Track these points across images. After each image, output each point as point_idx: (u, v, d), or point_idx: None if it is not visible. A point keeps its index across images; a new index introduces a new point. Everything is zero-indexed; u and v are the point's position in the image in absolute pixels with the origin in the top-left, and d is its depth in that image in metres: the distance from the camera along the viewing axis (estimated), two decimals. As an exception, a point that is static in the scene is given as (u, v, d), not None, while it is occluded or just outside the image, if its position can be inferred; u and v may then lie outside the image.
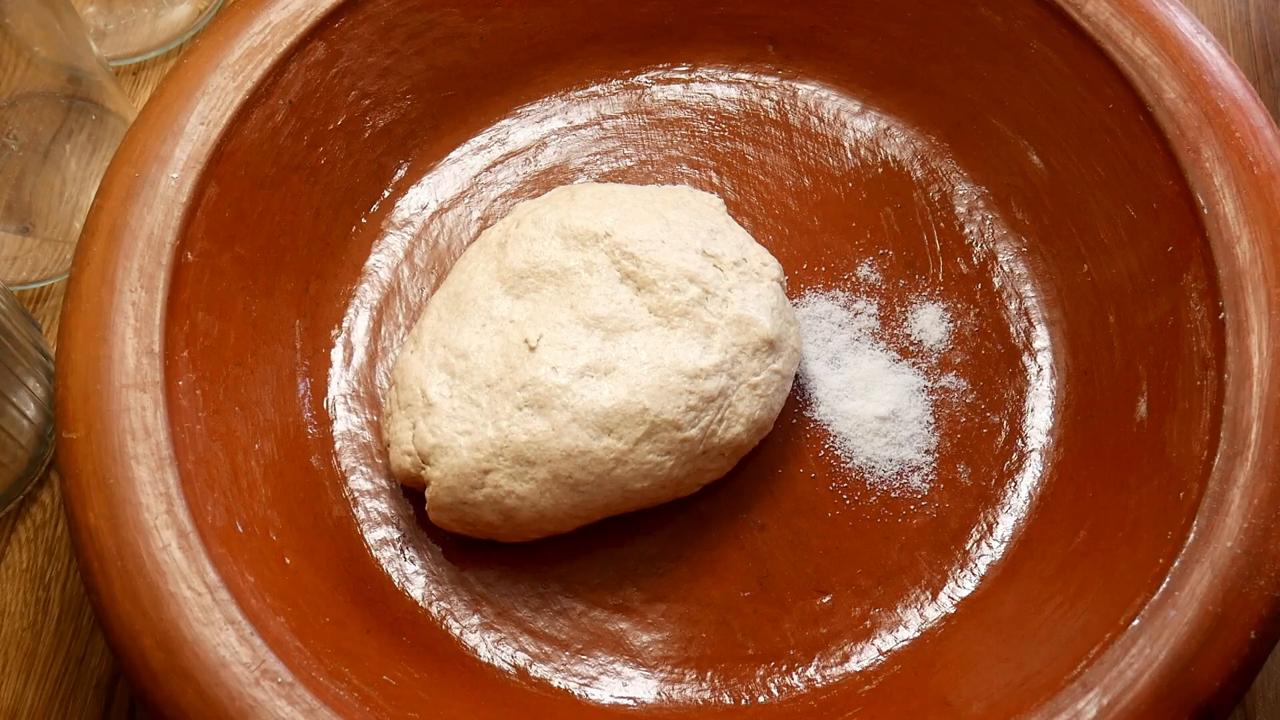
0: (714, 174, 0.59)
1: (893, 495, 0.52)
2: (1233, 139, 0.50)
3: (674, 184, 0.58)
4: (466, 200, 0.59)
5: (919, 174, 0.58)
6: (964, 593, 0.50)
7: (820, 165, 0.59)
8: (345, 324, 0.56)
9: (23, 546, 0.53)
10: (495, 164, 0.59)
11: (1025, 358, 0.54)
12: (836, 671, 0.49)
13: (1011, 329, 0.55)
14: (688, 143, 0.60)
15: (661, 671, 0.49)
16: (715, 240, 0.52)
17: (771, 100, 0.60)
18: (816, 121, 0.60)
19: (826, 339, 0.55)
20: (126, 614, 0.43)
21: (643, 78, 0.61)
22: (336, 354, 0.55)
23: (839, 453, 0.53)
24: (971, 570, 0.50)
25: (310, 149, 0.55)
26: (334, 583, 0.49)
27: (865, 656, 0.49)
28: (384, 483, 0.53)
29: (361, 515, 0.52)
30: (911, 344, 0.55)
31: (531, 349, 0.49)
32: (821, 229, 0.58)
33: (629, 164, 0.59)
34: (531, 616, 0.50)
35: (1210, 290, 0.48)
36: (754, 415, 0.50)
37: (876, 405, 0.53)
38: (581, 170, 0.59)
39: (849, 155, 0.59)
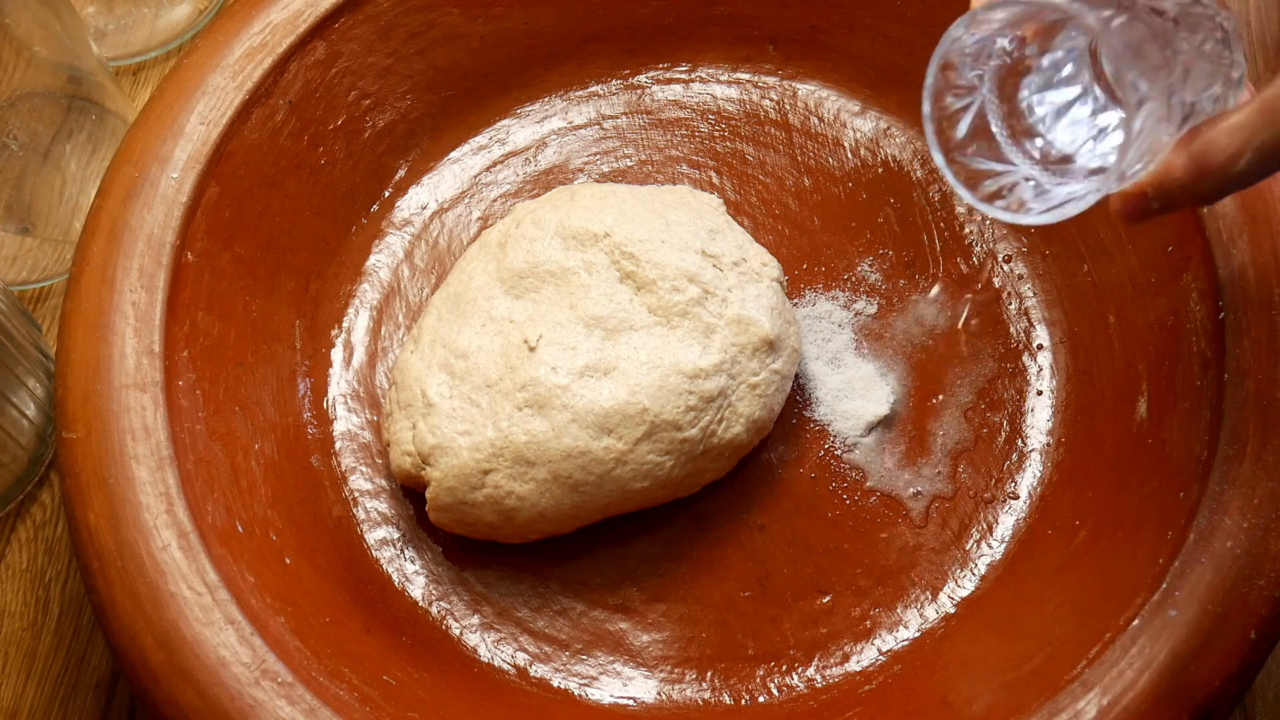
0: (714, 174, 0.59)
1: (893, 495, 0.52)
2: (1233, 139, 0.50)
3: (674, 184, 0.58)
4: (466, 200, 0.59)
5: (919, 174, 0.58)
6: (964, 593, 0.50)
7: (820, 165, 0.59)
8: (345, 324, 0.56)
9: (23, 546, 0.53)
10: (495, 164, 0.59)
11: (1025, 358, 0.54)
12: (836, 671, 0.49)
13: (1011, 329, 0.55)
14: (688, 143, 0.60)
15: (661, 671, 0.49)
16: (715, 240, 0.52)
17: (771, 100, 0.60)
18: (816, 121, 0.60)
19: (826, 339, 0.55)
20: (126, 614, 0.43)
21: (643, 78, 0.61)
22: (336, 354, 0.55)
23: (839, 453, 0.53)
24: (971, 570, 0.50)
25: (310, 149, 0.55)
26: (334, 583, 0.49)
27: (865, 656, 0.49)
28: (384, 483, 0.53)
29: (361, 515, 0.52)
30: (911, 344, 0.55)
31: (531, 349, 0.49)
32: (821, 229, 0.58)
33: (629, 164, 0.59)
34: (531, 616, 0.50)
35: (1210, 290, 0.48)
36: (754, 415, 0.50)
37: (876, 405, 0.53)
38: (581, 170, 0.59)
39: (849, 155, 0.59)
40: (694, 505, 0.52)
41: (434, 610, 0.50)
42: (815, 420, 0.53)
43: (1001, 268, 0.56)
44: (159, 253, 0.49)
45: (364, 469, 0.53)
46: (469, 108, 0.60)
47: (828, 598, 0.50)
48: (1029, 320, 0.55)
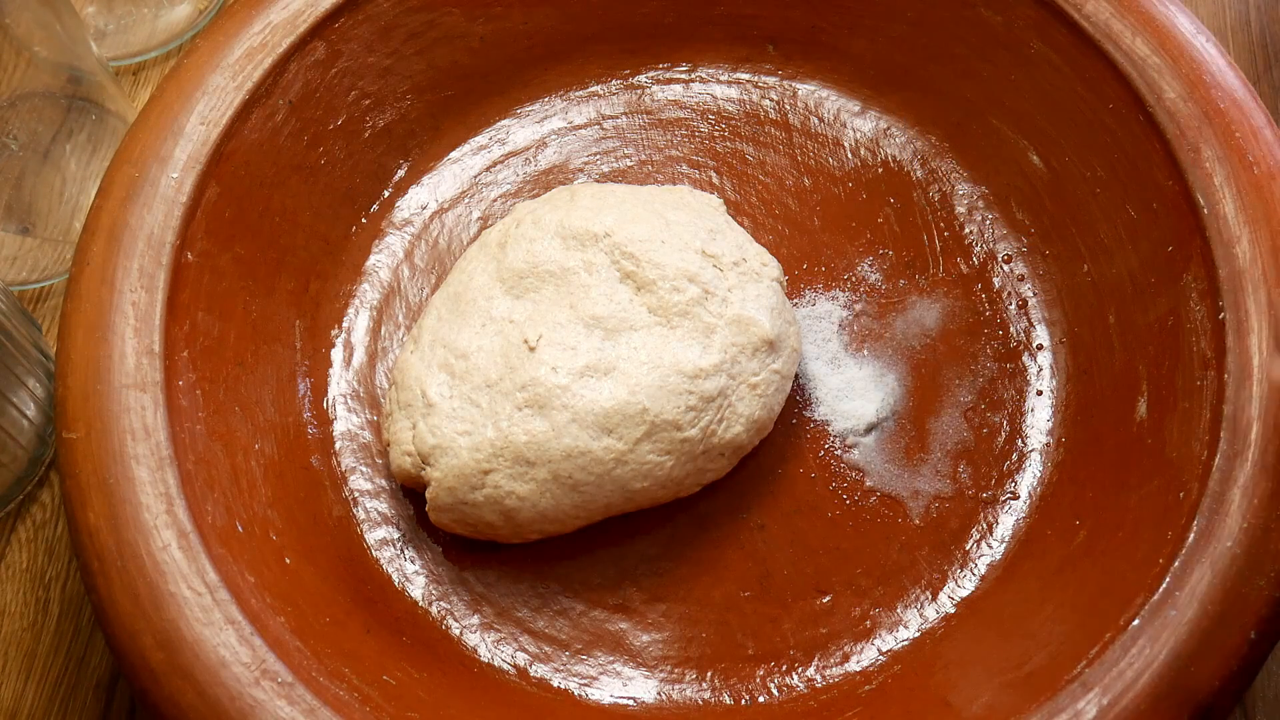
0: (714, 174, 0.59)
1: (893, 495, 0.52)
2: (1233, 139, 0.50)
3: (674, 184, 0.58)
4: (466, 200, 0.59)
5: (919, 174, 0.58)
6: (964, 593, 0.50)
7: (820, 165, 0.59)
8: (345, 324, 0.56)
9: (23, 546, 0.53)
10: (495, 164, 0.59)
11: (1025, 358, 0.54)
12: (836, 671, 0.49)
13: (1011, 329, 0.55)
14: (688, 143, 0.60)
15: (661, 671, 0.49)
16: (715, 240, 0.52)
17: (771, 100, 0.60)
18: (816, 121, 0.60)
19: (826, 339, 0.55)
20: (126, 614, 0.43)
21: (643, 78, 0.61)
22: (336, 354, 0.55)
23: (839, 453, 0.53)
24: (971, 570, 0.50)
25: (310, 149, 0.55)
26: (334, 583, 0.49)
27: (865, 656, 0.49)
28: (384, 483, 0.53)
29: (361, 515, 0.52)
30: (911, 344, 0.55)
31: (531, 349, 0.49)
32: (821, 229, 0.58)
33: (629, 164, 0.59)
34: (531, 616, 0.50)
35: (1210, 290, 0.48)
36: (754, 415, 0.50)
37: (877, 405, 0.53)
38: (581, 170, 0.59)
39: (849, 155, 0.59)
40: (694, 505, 0.52)
41: (434, 610, 0.50)
42: (815, 420, 0.53)
43: (1001, 268, 0.56)
44: (159, 253, 0.49)
45: (364, 469, 0.53)
46: (469, 108, 0.60)
47: (828, 598, 0.50)
48: (1029, 320, 0.55)
